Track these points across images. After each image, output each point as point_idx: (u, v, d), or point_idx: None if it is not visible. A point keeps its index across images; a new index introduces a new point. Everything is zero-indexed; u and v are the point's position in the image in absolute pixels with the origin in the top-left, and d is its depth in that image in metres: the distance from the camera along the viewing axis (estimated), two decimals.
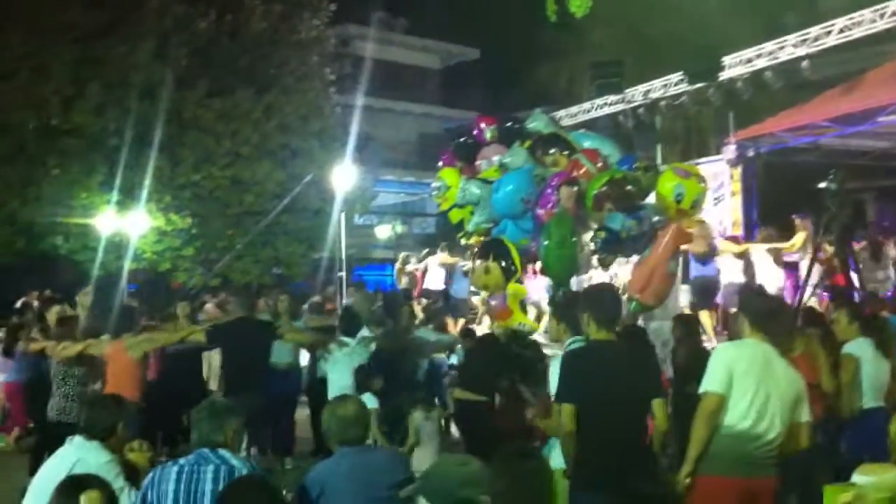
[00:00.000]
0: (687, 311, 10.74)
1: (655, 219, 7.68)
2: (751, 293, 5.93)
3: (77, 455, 4.65)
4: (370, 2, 33.11)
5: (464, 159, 8.36)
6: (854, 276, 10.90)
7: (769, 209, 16.41)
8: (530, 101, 29.47)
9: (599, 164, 7.64)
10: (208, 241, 21.81)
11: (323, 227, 22.58)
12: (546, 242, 7.27)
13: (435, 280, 15.66)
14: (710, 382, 4.98)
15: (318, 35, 23.92)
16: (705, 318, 11.13)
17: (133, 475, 4.69)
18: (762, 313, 5.22)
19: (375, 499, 4.49)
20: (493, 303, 8.28)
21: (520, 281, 8.33)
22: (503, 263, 7.70)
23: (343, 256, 20.87)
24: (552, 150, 8.02)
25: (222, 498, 3.65)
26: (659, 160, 17.25)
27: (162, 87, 19.97)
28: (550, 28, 25.01)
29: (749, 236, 15.75)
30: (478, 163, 8.24)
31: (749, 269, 12.86)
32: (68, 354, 8.57)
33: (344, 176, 20.83)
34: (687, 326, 7.32)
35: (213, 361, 10.28)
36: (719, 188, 16.90)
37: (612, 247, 7.45)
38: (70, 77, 19.40)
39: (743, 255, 12.92)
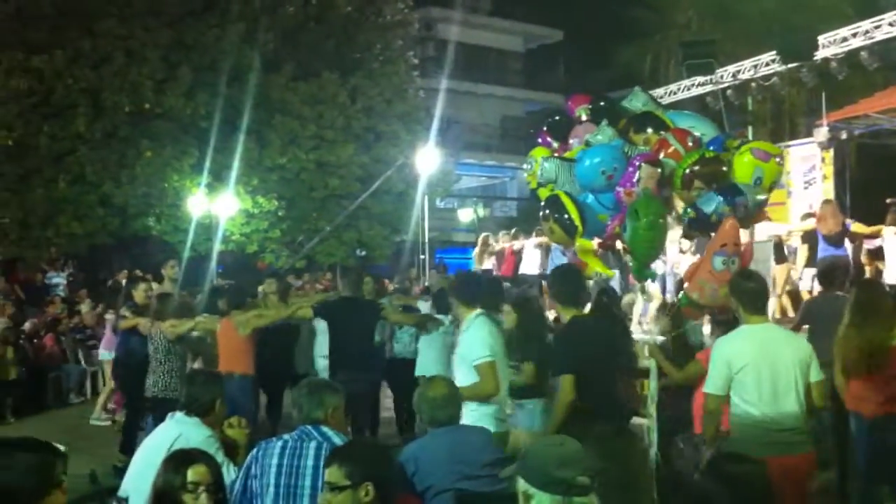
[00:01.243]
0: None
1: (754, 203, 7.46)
2: (739, 276, 5.87)
3: (178, 430, 4.78)
4: None
5: (557, 138, 8.28)
6: None
7: (862, 193, 15.97)
8: (614, 84, 29.17)
9: (690, 144, 7.47)
10: (294, 223, 22.16)
11: (405, 210, 22.77)
12: (634, 223, 7.16)
13: (531, 264, 15.34)
14: (710, 384, 5.20)
15: (402, 18, 24.06)
16: None
17: (231, 451, 4.82)
18: (752, 295, 5.28)
19: (468, 476, 4.53)
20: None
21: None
22: (564, 218, 7.65)
23: (425, 239, 20.99)
24: (645, 129, 7.84)
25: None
26: None
27: (250, 71, 20.31)
28: (638, 8, 24.80)
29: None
30: (570, 141, 8.18)
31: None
32: (179, 331, 8.65)
33: (427, 159, 20.91)
34: None
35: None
36: (810, 171, 16.50)
37: (701, 229, 7.29)
38: (162, 61, 19.88)
39: (873, 237, 12.55)
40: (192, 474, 3.90)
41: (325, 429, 4.36)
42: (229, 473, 4.49)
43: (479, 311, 6.19)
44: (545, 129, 8.54)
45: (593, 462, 2.91)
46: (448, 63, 29.17)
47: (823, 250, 11.40)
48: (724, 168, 7.27)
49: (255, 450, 4.40)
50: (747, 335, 5.23)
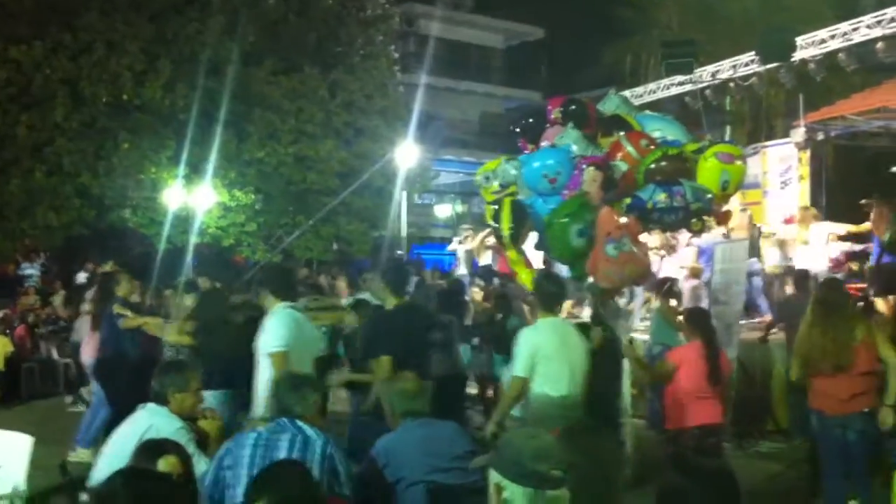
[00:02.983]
0: None
1: (695, 198, 7.49)
2: (542, 277, 6.41)
3: (150, 421, 4.77)
4: None
5: (530, 140, 8.31)
6: None
7: (838, 194, 16.10)
8: (595, 82, 29.28)
9: (644, 147, 7.51)
10: (271, 217, 22.10)
11: (384, 206, 22.76)
12: (552, 220, 7.25)
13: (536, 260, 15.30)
14: (518, 368, 5.89)
15: (383, 13, 24.01)
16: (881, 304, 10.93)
17: (203, 442, 4.81)
18: (551, 296, 6.12)
19: (439, 468, 4.59)
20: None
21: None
22: (496, 226, 7.77)
23: (403, 235, 20.99)
24: (612, 132, 7.91)
25: (257, 477, 3.66)
26: None
27: (230, 64, 20.22)
28: (620, 7, 24.87)
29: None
30: (542, 144, 8.21)
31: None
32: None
33: (406, 155, 20.89)
34: None
35: None
36: (787, 172, 16.62)
37: (636, 214, 7.34)
38: (142, 53, 19.77)
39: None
40: (163, 465, 3.89)
41: (300, 423, 4.37)
42: (200, 465, 4.49)
43: (285, 303, 6.35)
44: (518, 131, 8.59)
45: (566, 455, 2.92)
46: (429, 59, 29.16)
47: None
48: (687, 165, 7.34)
49: (228, 441, 4.41)
50: (549, 327, 6.03)
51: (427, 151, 23.75)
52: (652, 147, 7.56)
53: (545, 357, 5.88)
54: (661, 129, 7.98)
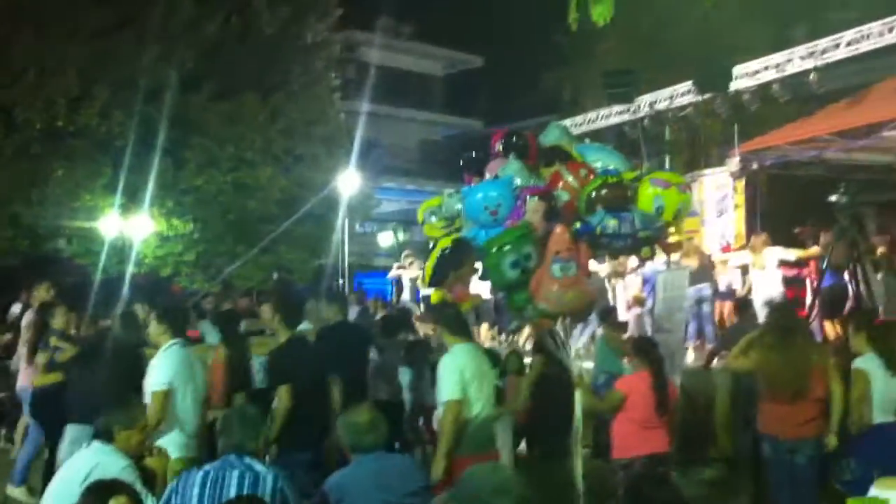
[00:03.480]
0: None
1: (644, 225, 7.58)
2: (443, 305, 6.84)
3: (95, 460, 4.65)
4: (376, 8, 33.18)
5: (473, 173, 8.33)
6: (864, 290, 10.89)
7: (772, 222, 16.43)
8: (534, 110, 29.63)
9: (583, 176, 7.58)
10: (210, 246, 21.80)
11: (325, 234, 22.62)
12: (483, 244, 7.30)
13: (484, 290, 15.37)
14: (451, 392, 6.05)
15: (324, 40, 23.96)
16: (829, 328, 11.11)
17: (150, 480, 4.70)
18: (455, 320, 6.46)
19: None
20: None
21: None
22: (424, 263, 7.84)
23: (345, 263, 20.90)
24: (553, 163, 7.96)
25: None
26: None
27: (167, 90, 19.97)
28: (559, 36, 25.17)
29: None
30: (486, 176, 8.23)
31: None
32: None
33: (348, 182, 20.85)
34: None
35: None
36: (723, 200, 16.94)
37: (586, 240, 7.42)
38: (77, 78, 19.42)
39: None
40: None
41: (248, 459, 4.30)
42: None
43: (174, 340, 6.50)
44: (462, 164, 8.60)
45: (526, 490, 2.91)
46: (369, 86, 29.18)
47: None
48: (628, 193, 7.42)
49: (175, 480, 4.32)
50: (467, 351, 6.32)
51: (368, 179, 23.70)
52: (591, 176, 7.62)
53: (469, 380, 6.12)
54: (602, 159, 8.04)
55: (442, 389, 6.13)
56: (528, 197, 7.31)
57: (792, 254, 12.83)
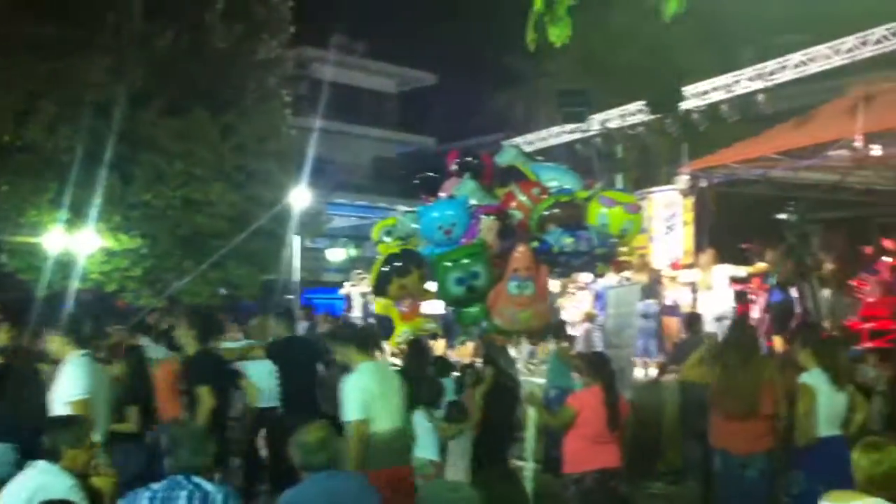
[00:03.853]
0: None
1: (600, 243, 7.67)
2: (342, 326, 6.90)
3: (40, 480, 4.54)
4: (329, 25, 33.17)
5: (428, 192, 8.36)
6: (811, 306, 11.08)
7: (720, 238, 16.68)
8: (487, 128, 29.82)
9: (536, 195, 7.66)
10: (157, 261, 21.51)
11: (275, 249, 22.46)
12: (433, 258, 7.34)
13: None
14: (354, 412, 6.09)
15: (276, 56, 23.83)
16: (778, 342, 11.21)
17: (96, 500, 4.61)
18: (359, 339, 6.50)
19: None
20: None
21: None
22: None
23: (295, 279, 20.79)
24: (508, 183, 8.03)
25: None
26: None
27: (116, 105, 19.72)
28: (512, 56, 25.39)
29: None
30: (440, 196, 8.27)
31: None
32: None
33: (299, 198, 20.76)
34: None
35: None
36: (672, 217, 17.16)
37: (543, 258, 7.48)
38: (24, 93, 19.11)
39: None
40: None
41: (196, 478, 4.24)
42: None
43: (82, 351, 6.48)
44: (417, 183, 8.64)
45: None
46: (322, 103, 29.08)
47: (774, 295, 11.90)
48: (579, 211, 7.50)
49: (120, 502, 4.24)
50: (371, 370, 6.33)
51: (319, 195, 23.61)
52: (544, 196, 7.68)
53: (373, 398, 6.18)
54: (556, 178, 8.12)
55: (346, 409, 6.16)
56: (482, 215, 7.36)
57: (742, 270, 13.02)
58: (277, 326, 9.12)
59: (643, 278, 12.90)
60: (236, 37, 22.55)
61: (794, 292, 11.51)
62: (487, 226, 7.20)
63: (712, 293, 12.69)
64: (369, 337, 6.85)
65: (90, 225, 19.57)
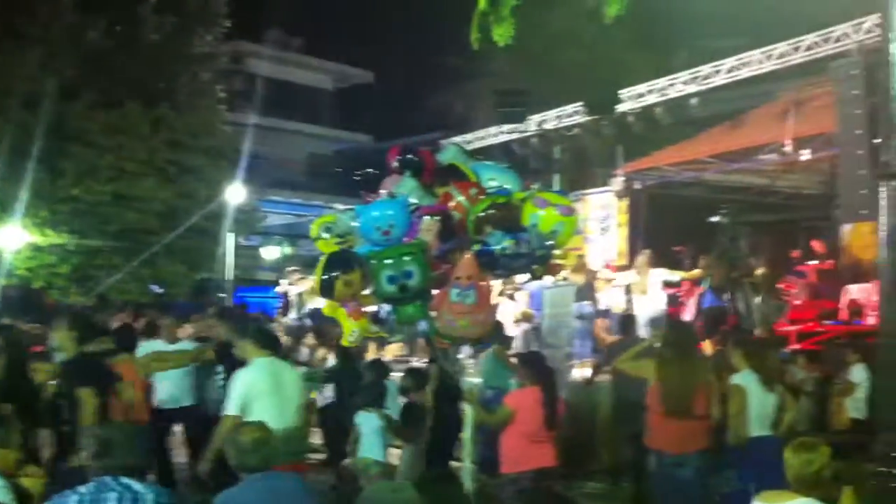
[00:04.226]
0: None
1: (539, 245, 7.72)
2: (256, 323, 7.75)
3: None
4: (265, 19, 32.81)
5: (369, 190, 8.29)
6: (743, 309, 11.25)
7: (653, 240, 16.88)
8: (424, 126, 29.78)
9: (473, 195, 7.66)
10: (85, 258, 21.09)
11: (207, 247, 22.17)
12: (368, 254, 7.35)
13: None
14: (231, 406, 6.14)
15: (211, 51, 23.54)
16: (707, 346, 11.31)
17: (25, 501, 4.48)
18: (258, 335, 6.60)
19: None
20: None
21: None
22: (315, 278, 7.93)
23: (228, 278, 20.55)
24: (448, 182, 8.00)
25: None
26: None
27: (46, 97, 19.26)
28: (449, 55, 25.40)
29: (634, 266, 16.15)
30: (381, 192, 8.20)
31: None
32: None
33: (232, 195, 20.54)
34: None
35: None
36: (607, 219, 17.34)
37: (485, 260, 7.51)
38: None
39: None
40: None
41: (125, 479, 4.14)
42: None
43: None
44: (358, 180, 8.55)
45: None
46: (257, 98, 28.79)
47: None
48: (515, 213, 7.53)
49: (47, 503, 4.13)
50: (262, 367, 6.33)
51: (254, 192, 23.35)
52: (481, 196, 7.67)
53: (260, 394, 6.17)
54: (497, 178, 8.11)
55: (226, 402, 6.24)
56: (423, 216, 7.33)
57: (676, 275, 13.18)
58: (221, 329, 8.99)
59: (580, 279, 12.96)
60: (169, 30, 22.25)
61: (726, 297, 11.68)
62: (427, 226, 7.17)
63: (647, 296, 12.81)
64: (268, 334, 6.95)
65: (17, 220, 19.10)
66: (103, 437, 4.31)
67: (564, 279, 12.51)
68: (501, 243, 7.01)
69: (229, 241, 20.76)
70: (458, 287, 6.60)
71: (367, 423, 7.54)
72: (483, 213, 7.24)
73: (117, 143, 20.75)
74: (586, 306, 12.82)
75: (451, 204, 7.49)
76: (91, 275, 20.98)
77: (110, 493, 4.07)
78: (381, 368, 9.08)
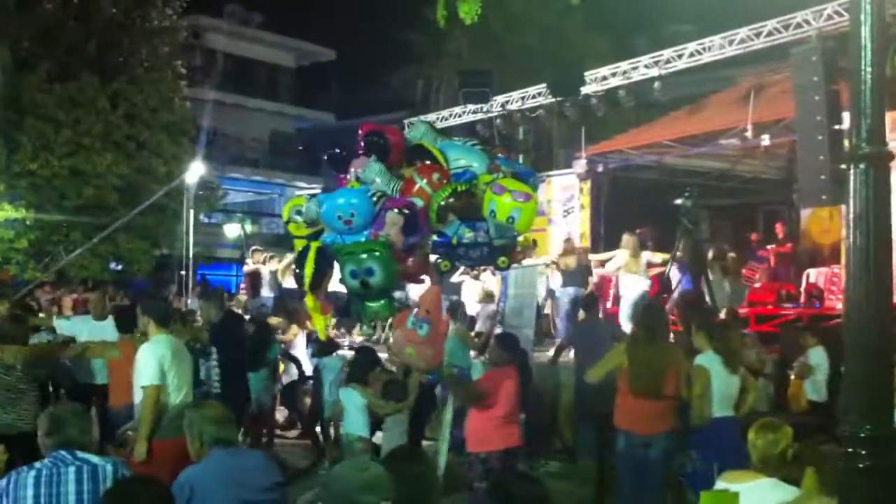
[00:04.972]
0: None
1: (499, 234, 7.73)
2: (147, 298, 7.95)
3: None
4: None
5: (338, 170, 8.22)
6: (707, 290, 11.36)
7: (615, 222, 17.00)
8: (386, 105, 29.65)
9: (435, 181, 7.61)
10: (43, 233, 20.79)
11: (167, 224, 21.95)
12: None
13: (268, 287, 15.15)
14: (150, 378, 6.34)
15: (170, 25, 23.18)
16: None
17: None
18: (159, 313, 6.81)
19: (246, 501, 4.41)
20: None
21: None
22: (299, 273, 7.93)
23: (189, 255, 20.36)
24: (414, 162, 7.95)
25: (110, 493, 3.60)
26: None
27: (0, 69, 18.89)
28: (412, 33, 25.29)
29: (595, 248, 16.27)
30: (351, 171, 8.12)
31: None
32: (71, 355, 8.26)
33: (192, 171, 20.35)
34: None
35: None
36: (569, 201, 17.42)
37: (442, 251, 7.52)
38: None
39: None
40: None
41: (81, 453, 4.19)
42: None
43: None
44: (327, 160, 8.48)
45: (394, 486, 2.87)
46: (217, 74, 28.43)
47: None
48: (475, 201, 7.53)
49: (3, 482, 4.10)
50: (165, 342, 6.59)
51: (214, 169, 23.11)
52: (444, 180, 7.64)
53: (165, 369, 6.42)
54: (464, 157, 8.05)
55: (141, 375, 6.36)
56: (387, 210, 7.30)
57: (658, 257, 13.29)
58: (207, 308, 9.00)
59: (571, 263, 13.01)
60: (128, 2, 21.88)
61: (689, 278, 11.79)
62: (392, 220, 7.16)
63: (636, 278, 12.88)
64: (169, 313, 7.23)
65: None
66: (55, 414, 4.33)
67: (555, 262, 12.59)
68: (459, 232, 7.05)
69: (189, 218, 20.53)
70: (416, 317, 6.64)
71: (351, 399, 7.61)
72: (444, 202, 7.25)
73: (74, 118, 20.43)
74: (581, 291, 12.85)
75: (414, 189, 7.47)
76: (49, 251, 20.67)
77: (69, 467, 4.13)
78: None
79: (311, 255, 7.40)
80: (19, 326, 7.97)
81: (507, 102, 16.98)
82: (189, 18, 25.82)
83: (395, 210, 7.19)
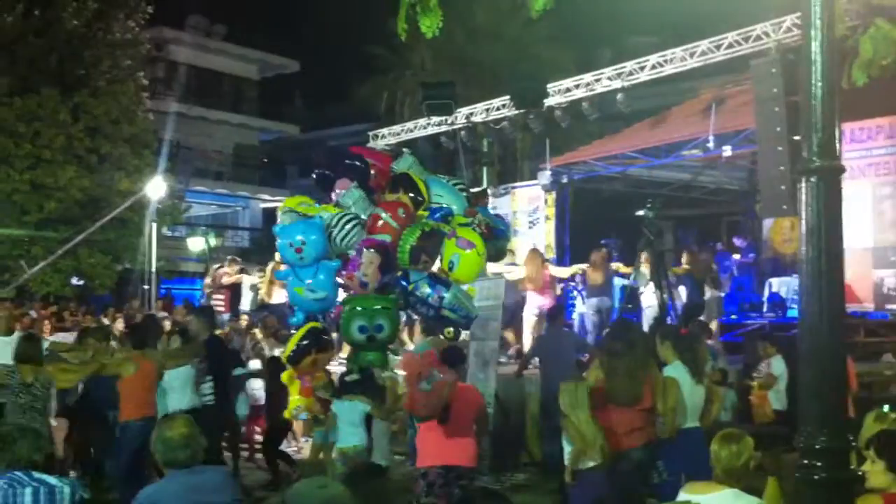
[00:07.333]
0: None
1: (451, 307, 7.90)
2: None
3: None
4: (187, 6, 32.12)
5: (324, 190, 8.35)
6: (670, 300, 11.43)
7: (580, 234, 17.11)
8: (350, 118, 29.62)
9: (401, 216, 7.71)
10: (3, 249, 20.48)
11: (129, 238, 21.71)
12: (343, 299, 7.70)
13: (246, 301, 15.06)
14: None
15: (132, 37, 22.98)
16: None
17: None
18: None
19: None
20: None
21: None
22: None
23: (152, 269, 20.17)
24: (397, 190, 8.08)
25: None
26: (484, 184, 17.69)
27: None
28: (375, 46, 25.29)
29: (562, 260, 16.36)
30: (336, 192, 8.28)
31: None
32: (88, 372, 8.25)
33: (156, 185, 20.19)
34: None
35: None
36: (535, 212, 17.51)
37: (399, 291, 7.73)
38: None
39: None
40: None
41: (36, 473, 4.17)
42: None
43: None
44: (315, 180, 8.62)
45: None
46: (180, 86, 28.19)
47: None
48: (443, 242, 7.65)
49: None
50: None
51: (177, 181, 22.89)
52: (407, 216, 7.75)
53: None
54: (443, 196, 8.22)
55: None
56: (364, 249, 7.40)
57: (625, 269, 13.43)
58: (197, 325, 9.03)
59: (599, 277, 13.11)
60: (89, 14, 21.65)
61: (653, 289, 11.86)
62: (369, 259, 7.34)
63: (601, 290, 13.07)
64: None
65: None
66: (2, 433, 4.28)
67: (583, 272, 12.87)
68: (420, 287, 7.35)
69: (152, 231, 20.33)
70: (424, 380, 6.57)
71: (346, 412, 7.43)
72: (415, 244, 7.41)
73: (35, 131, 20.19)
74: (606, 301, 13.05)
75: (378, 223, 7.58)
76: (9, 266, 20.36)
77: (26, 488, 4.09)
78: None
79: (300, 330, 7.61)
80: (33, 346, 7.94)
81: (471, 114, 17.02)
82: (152, 30, 25.63)
83: (372, 249, 7.30)
